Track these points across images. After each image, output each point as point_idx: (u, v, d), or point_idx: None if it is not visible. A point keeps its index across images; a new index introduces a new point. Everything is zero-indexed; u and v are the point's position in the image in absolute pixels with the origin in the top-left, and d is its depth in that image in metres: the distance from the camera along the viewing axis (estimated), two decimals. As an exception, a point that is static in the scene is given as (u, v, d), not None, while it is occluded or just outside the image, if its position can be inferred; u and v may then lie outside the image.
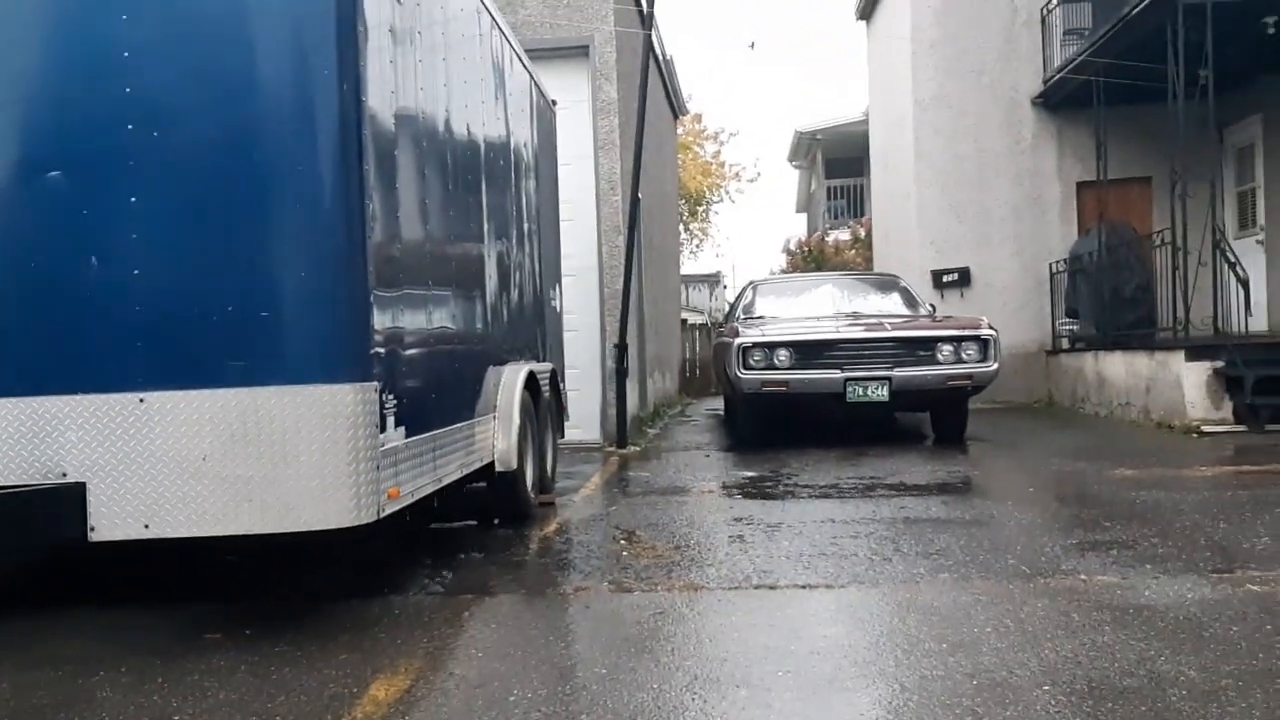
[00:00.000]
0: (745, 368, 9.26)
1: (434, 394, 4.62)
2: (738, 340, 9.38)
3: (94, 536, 3.63)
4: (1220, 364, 9.60)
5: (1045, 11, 14.30)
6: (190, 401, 3.61)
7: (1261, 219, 12.89)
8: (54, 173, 3.69)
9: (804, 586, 4.43)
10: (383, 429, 3.81)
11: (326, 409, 3.60)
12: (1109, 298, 11.92)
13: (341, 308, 3.73)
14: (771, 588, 4.42)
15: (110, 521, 3.62)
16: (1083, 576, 4.40)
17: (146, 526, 3.63)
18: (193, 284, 3.65)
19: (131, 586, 4.86)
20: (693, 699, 3.12)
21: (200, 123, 3.69)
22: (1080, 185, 14.40)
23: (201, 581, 4.99)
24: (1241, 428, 9.34)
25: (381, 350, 3.89)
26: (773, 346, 9.29)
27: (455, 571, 4.94)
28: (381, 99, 4.02)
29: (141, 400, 3.62)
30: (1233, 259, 9.89)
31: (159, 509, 3.61)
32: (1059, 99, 14.10)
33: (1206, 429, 9.34)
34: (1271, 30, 10.25)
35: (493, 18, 6.03)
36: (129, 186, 3.66)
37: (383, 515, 3.79)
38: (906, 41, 15.17)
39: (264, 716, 3.06)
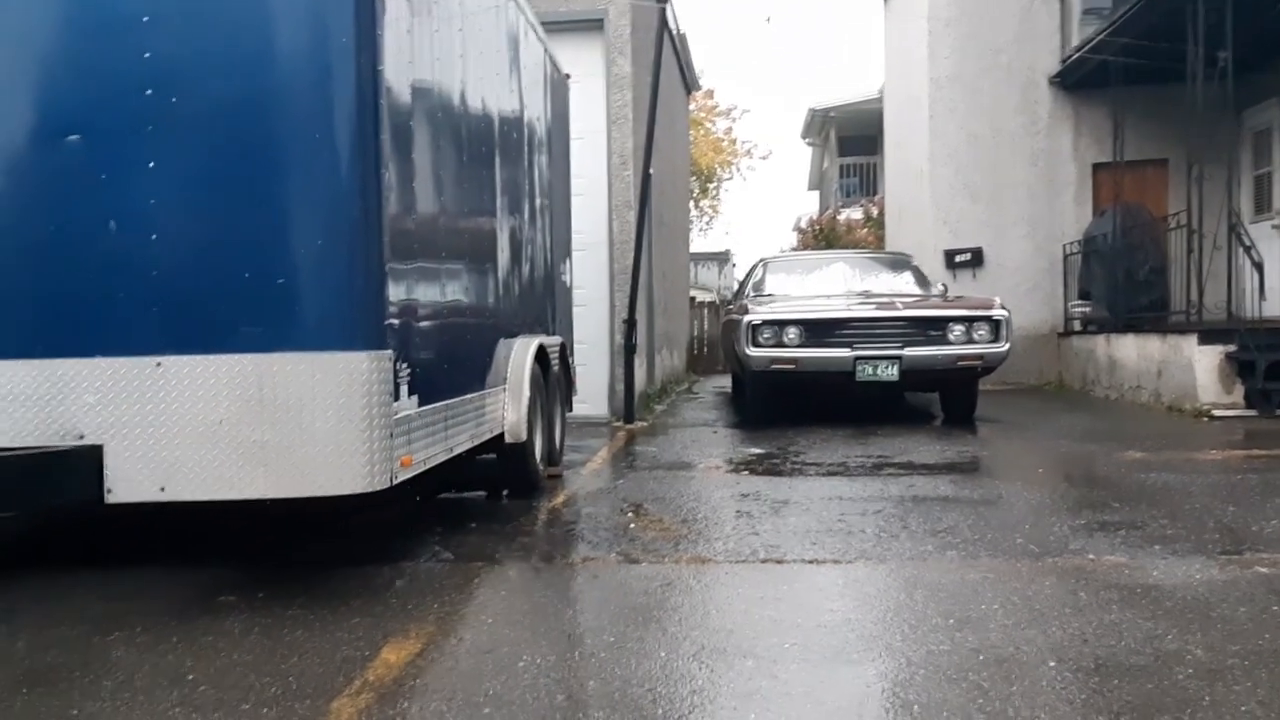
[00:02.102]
0: (754, 345, 9.26)
1: (446, 365, 4.64)
2: (747, 317, 9.37)
3: (111, 498, 3.67)
4: (1233, 348, 9.58)
5: (1064, -10, 14.20)
6: (207, 366, 3.63)
7: (1278, 203, 12.80)
8: (73, 137, 3.70)
9: (811, 561, 4.45)
10: (396, 397, 3.83)
11: (342, 376, 3.63)
12: (1122, 280, 11.89)
13: (357, 277, 3.75)
14: (779, 562, 4.45)
15: (127, 484, 3.66)
16: (1091, 556, 4.42)
17: (162, 489, 3.66)
18: (210, 250, 3.68)
19: (145, 549, 4.90)
20: (700, 668, 3.15)
21: (218, 89, 3.70)
22: (1096, 167, 14.32)
23: (215, 546, 5.04)
24: (1252, 412, 9.33)
25: (396, 320, 3.91)
26: (782, 324, 9.28)
27: (465, 540, 4.98)
28: (398, 69, 4.02)
29: (159, 364, 3.64)
30: (1248, 243, 9.86)
31: (175, 472, 3.65)
32: (1076, 79, 14.01)
33: (1217, 413, 9.33)
34: (1292, 12, 10.17)
35: (509, -11, 6.01)
36: (147, 151, 3.67)
37: (395, 482, 3.82)
38: (924, 20, 15.07)
39: (277, 677, 3.10)
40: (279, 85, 3.73)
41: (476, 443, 5.16)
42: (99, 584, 4.30)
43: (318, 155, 3.71)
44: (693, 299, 22.20)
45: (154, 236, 3.68)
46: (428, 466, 4.30)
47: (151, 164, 3.68)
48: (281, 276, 3.67)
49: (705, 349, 21.33)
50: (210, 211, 3.70)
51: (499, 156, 5.72)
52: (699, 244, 31.75)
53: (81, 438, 3.66)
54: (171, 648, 3.41)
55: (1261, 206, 13.18)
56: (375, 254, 3.78)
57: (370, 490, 3.69)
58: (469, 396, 4.99)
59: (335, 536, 5.16)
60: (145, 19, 3.69)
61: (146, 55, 3.68)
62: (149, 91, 3.67)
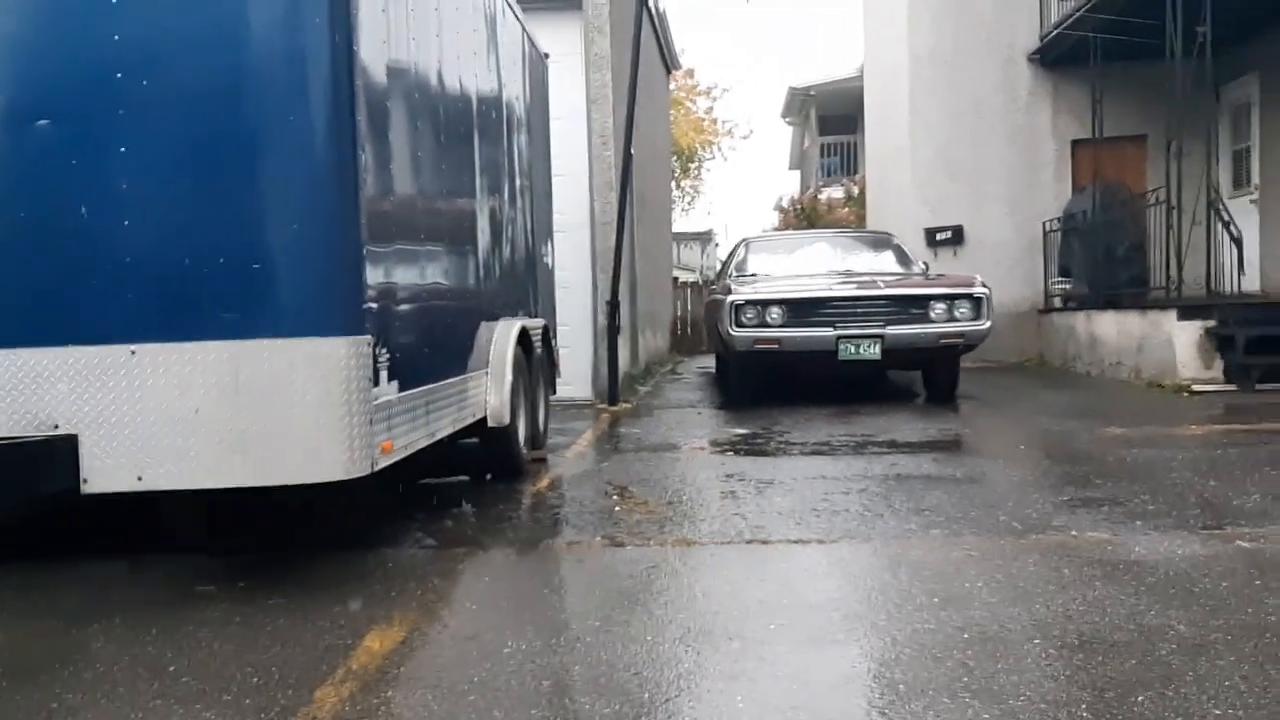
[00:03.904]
0: (737, 325, 9.25)
1: (427, 349, 4.60)
2: (730, 298, 9.36)
3: (87, 489, 3.62)
4: (1212, 323, 9.62)
5: (1043, -34, 14.17)
6: (182, 354, 3.58)
7: (1256, 178, 12.85)
8: (43, 121, 3.63)
9: (796, 541, 4.45)
10: (376, 383, 3.79)
11: (320, 362, 3.58)
12: (1102, 257, 11.91)
13: (334, 260, 3.70)
14: (764, 543, 4.44)
15: (103, 474, 3.61)
16: (1073, 533, 4.43)
17: (139, 479, 3.62)
18: (184, 235, 3.61)
19: (124, 539, 4.86)
20: (686, 651, 3.14)
21: (191, 71, 3.63)
22: (1075, 143, 14.33)
23: (194, 535, 4.99)
24: (1232, 387, 9.37)
25: (374, 304, 3.86)
26: (765, 304, 9.27)
27: (448, 526, 4.95)
28: (373, 49, 3.96)
29: (133, 352, 3.59)
30: (1227, 218, 9.88)
31: (151, 461, 3.60)
32: (1055, 56, 14.00)
33: (1197, 388, 9.38)
34: (1270, -14, 10.18)
35: (485, -32, 5.94)
36: (119, 136, 3.61)
37: (376, 469, 3.79)
38: (903, -4, 15.02)
39: (259, 667, 3.08)
40: (252, 66, 3.67)
41: (459, 428, 5.12)
42: (77, 576, 4.26)
43: (292, 137, 3.65)
44: (675, 279, 22.17)
45: (126, 222, 3.62)
46: (409, 452, 4.26)
47: (123, 148, 3.61)
48: (257, 262, 3.62)
49: (689, 329, 21.30)
50: (183, 196, 3.64)
51: (478, 137, 5.66)
52: (681, 224, 31.74)
53: (56, 428, 3.61)
54: (152, 639, 3.38)
55: (1240, 181, 13.23)
56: (352, 237, 3.73)
57: (350, 477, 3.66)
58: (450, 381, 4.95)
59: (316, 524, 5.12)
60: (114, 1, 3.62)
61: (116, 38, 3.61)
62: (119, 75, 3.60)
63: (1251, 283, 12.06)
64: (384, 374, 3.90)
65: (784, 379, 10.41)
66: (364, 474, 3.71)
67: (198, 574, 4.15)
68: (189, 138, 3.63)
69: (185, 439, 3.60)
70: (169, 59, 3.63)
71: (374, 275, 3.88)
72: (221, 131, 3.64)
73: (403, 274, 4.26)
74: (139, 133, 3.62)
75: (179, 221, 3.63)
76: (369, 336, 3.75)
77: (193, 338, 3.59)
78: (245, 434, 3.58)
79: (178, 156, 3.64)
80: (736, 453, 7.00)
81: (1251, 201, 12.77)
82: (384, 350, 3.90)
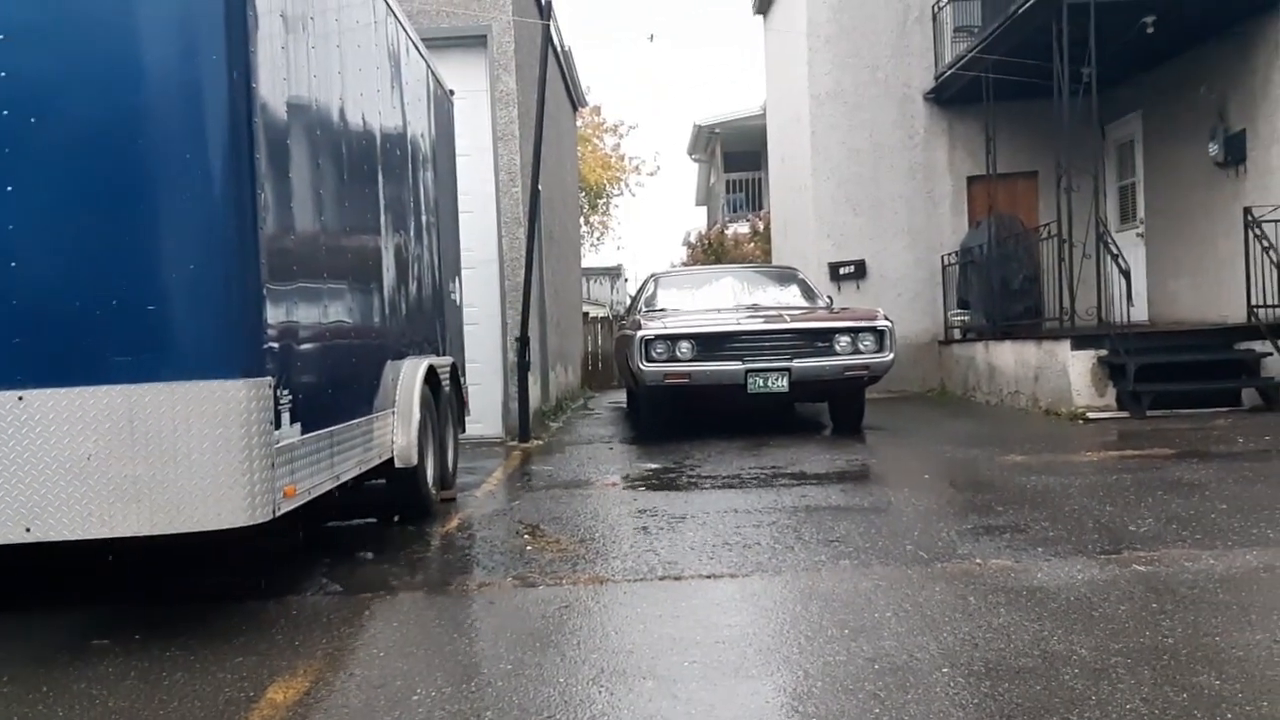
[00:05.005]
0: (648, 360, 9.28)
1: (330, 389, 4.51)
2: (640, 333, 9.39)
3: (-31, 542, 3.45)
4: (1104, 352, 9.96)
5: (936, 9, 14.63)
6: (73, 399, 3.45)
7: (1141, 212, 13.40)
8: (-79, 160, 3.49)
9: (709, 576, 4.45)
10: (277, 425, 3.70)
11: (218, 406, 3.49)
12: (998, 289, 12.27)
13: (232, 300, 3.62)
14: (677, 579, 4.43)
15: (-13, 526, 3.45)
16: (978, 560, 4.51)
17: (28, 530, 3.46)
18: (75, 277, 3.50)
19: (11, 592, 4.64)
20: (600, 692, 3.11)
21: (82, 109, 3.54)
22: (970, 179, 14.78)
23: (87, 585, 4.80)
24: (1124, 414, 9.70)
25: (275, 344, 3.78)
26: (675, 339, 9.32)
27: (355, 570, 4.84)
28: (273, 86, 3.90)
29: (21, 398, 3.45)
30: (1115, 251, 10.25)
31: (41, 511, 3.46)
32: (950, 95, 14.45)
33: (1092, 415, 9.68)
34: (1151, 29, 10.65)
35: (388, 4, 5.91)
36: (5, 175, 3.49)
37: (278, 514, 3.69)
38: (803, 36, 15.36)
39: (155, 725, 2.96)
40: (147, 104, 3.58)
41: (365, 469, 5.03)
42: (-41, 633, 4.05)
43: (189, 176, 3.57)
44: (586, 314, 22.18)
45: (14, 264, 3.49)
46: (313, 496, 4.16)
47: (9, 187, 3.49)
48: (152, 303, 3.52)
49: (600, 364, 21.32)
50: (75, 237, 3.53)
51: (382, 174, 5.60)
52: (591, 259, 31.82)
53: (-64, 478, 3.44)
54: (42, 697, 3.23)
55: (1126, 215, 13.78)
56: (252, 276, 3.65)
57: (252, 524, 3.56)
58: (356, 421, 4.86)
59: (216, 571, 4.96)
60: (0, 37, 3.50)
61: (2, 74, 3.49)
62: (5, 112, 3.49)
63: (1140, 313, 12.54)
64: (286, 416, 3.81)
65: (694, 412, 10.46)
66: (266, 520, 3.61)
67: (91, 626, 3.98)
68: (80, 176, 3.53)
69: (77, 487, 3.46)
70: (59, 96, 3.53)
71: (275, 314, 3.79)
72: (115, 170, 3.54)
73: (305, 313, 4.18)
74: (27, 171, 3.50)
75: (69, 263, 3.52)
76: (270, 378, 3.67)
77: (84, 382, 3.46)
78: (141, 481, 3.46)
79: (69, 196, 3.53)
80: (649, 488, 7.00)
81: (1138, 235, 13.31)
82: (286, 391, 3.81)
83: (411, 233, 6.35)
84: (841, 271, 14.95)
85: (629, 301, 15.40)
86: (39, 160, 3.52)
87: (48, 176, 3.53)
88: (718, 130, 25.95)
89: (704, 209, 32.72)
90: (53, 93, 3.53)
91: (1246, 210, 10.27)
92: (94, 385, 3.46)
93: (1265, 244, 10.07)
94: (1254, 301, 10.12)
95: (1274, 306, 10.05)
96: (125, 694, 3.23)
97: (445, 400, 6.80)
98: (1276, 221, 10.14)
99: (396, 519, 5.99)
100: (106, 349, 3.48)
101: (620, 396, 15.47)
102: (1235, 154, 11.17)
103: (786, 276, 11.74)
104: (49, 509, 3.46)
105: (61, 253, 3.53)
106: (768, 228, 21.72)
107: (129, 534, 3.50)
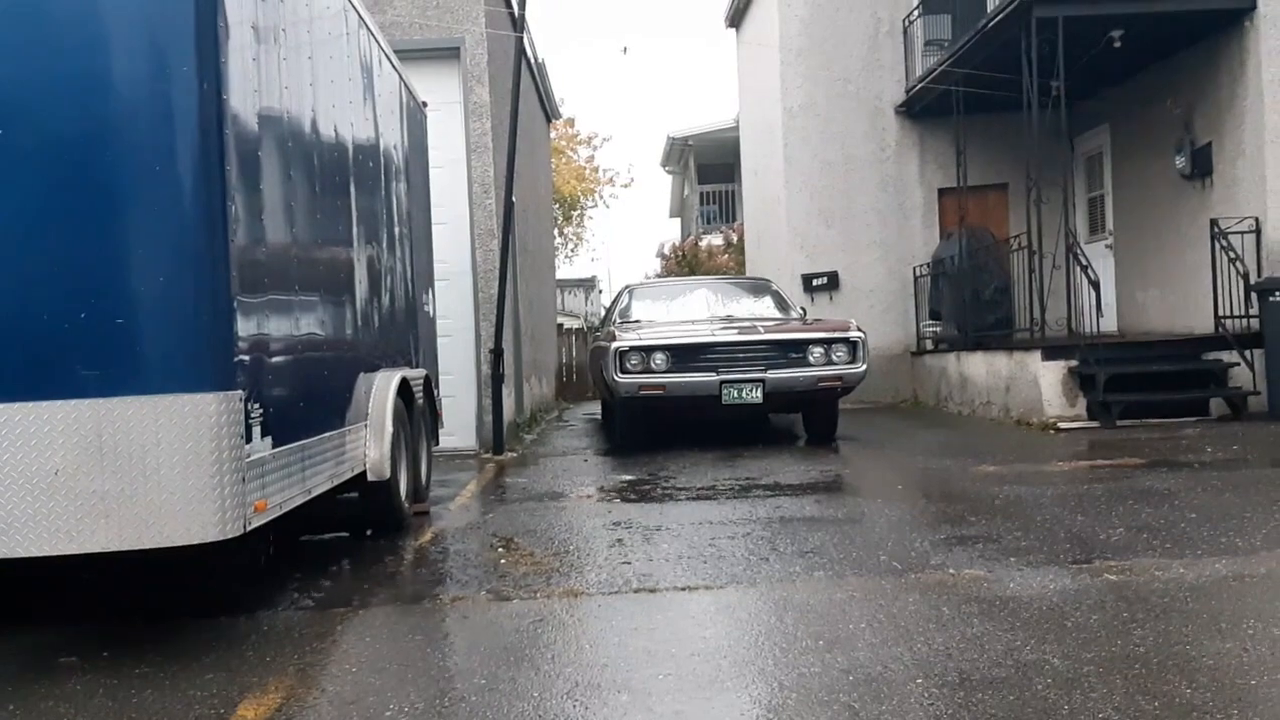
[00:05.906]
0: (622, 371, 9.28)
1: (302, 402, 4.48)
2: (615, 344, 9.39)
3: (-67, 559, 3.40)
4: (1074, 363, 10.05)
5: (907, 23, 14.75)
6: (41, 413, 3.41)
7: (1110, 224, 13.55)
8: (-115, 171, 3.44)
9: (684, 589, 4.45)
10: (248, 439, 3.67)
11: (188, 419, 3.45)
12: (969, 300, 12.35)
13: (203, 313, 3.58)
14: (651, 591, 4.42)
15: (-49, 543, 3.39)
16: (951, 571, 4.53)
17: (-8, 547, 3.41)
18: (43, 290, 3.46)
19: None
20: (574, 706, 3.09)
21: (51, 120, 3.50)
22: (941, 191, 14.88)
23: (55, 602, 4.73)
24: (1094, 424, 9.78)
25: (246, 358, 3.75)
26: (649, 350, 9.33)
27: (327, 585, 4.80)
28: (244, 98, 3.88)
29: (-14, 413, 3.40)
30: (1084, 262, 10.35)
31: (8, 527, 3.40)
32: (920, 108, 14.56)
33: (1062, 425, 9.76)
34: (1118, 44, 10.78)
35: (360, 16, 5.89)
36: (-30, 187, 3.44)
37: (249, 529, 3.65)
38: (775, 50, 15.44)
39: (123, 744, 2.92)
40: (116, 116, 3.55)
41: (337, 482, 4.99)
42: (-78, 651, 3.98)
43: (158, 187, 3.54)
44: (560, 326, 22.15)
45: (-21, 276, 3.44)
46: (284, 510, 4.13)
47: (-25, 199, 3.44)
48: (121, 316, 3.48)
49: (574, 376, 21.27)
50: (43, 249, 3.49)
51: (354, 185, 5.58)
52: (565, 271, 31.80)
53: (-101, 494, 3.38)
54: (8, 716, 3.17)
55: (1095, 227, 13.93)
56: (222, 288, 3.62)
57: (223, 539, 3.52)
58: (328, 435, 4.82)
59: (186, 587, 4.91)
60: (-33, 47, 3.47)
61: (-32, 85, 3.46)
62: (-29, 123, 3.44)
63: (1110, 324, 12.66)
64: (257, 429, 3.78)
65: (669, 424, 10.47)
66: (237, 535, 3.57)
67: (59, 643, 3.93)
68: (50, 188, 3.50)
69: (45, 503, 3.41)
70: (28, 107, 3.50)
71: (245, 327, 3.76)
72: (84, 181, 3.51)
73: (276, 325, 4.15)
74: (-7, 182, 3.45)
75: (38, 275, 3.47)
76: (240, 391, 3.63)
77: (52, 396, 3.42)
78: (109, 496, 3.42)
79: (37, 207, 3.49)
80: (623, 499, 6.99)
81: (1107, 246, 13.45)
82: (256, 405, 3.78)
83: (384, 245, 6.32)
84: (815, 283, 15.01)
85: (603, 313, 15.42)
86: (7, 172, 3.47)
87: (15, 187, 3.49)
88: (691, 142, 26.02)
89: (678, 221, 32.79)
90: (21, 103, 3.49)
91: (1213, 222, 10.41)
92: (62, 399, 3.41)
93: (1231, 255, 10.21)
94: (1221, 312, 10.24)
95: (1240, 317, 10.18)
96: (94, 712, 3.19)
97: (418, 413, 6.77)
98: (1242, 233, 10.29)
99: (369, 533, 5.95)
100: (74, 362, 3.44)
101: (595, 408, 15.45)
102: (1202, 166, 11.31)
103: (760, 288, 11.78)
104: (15, 525, 3.41)
105: (29, 265, 3.49)
106: (741, 239, 21.79)
107: (97, 550, 3.46)
